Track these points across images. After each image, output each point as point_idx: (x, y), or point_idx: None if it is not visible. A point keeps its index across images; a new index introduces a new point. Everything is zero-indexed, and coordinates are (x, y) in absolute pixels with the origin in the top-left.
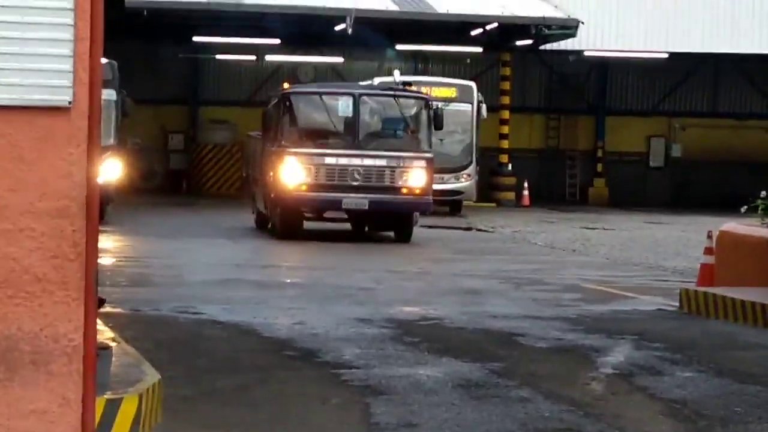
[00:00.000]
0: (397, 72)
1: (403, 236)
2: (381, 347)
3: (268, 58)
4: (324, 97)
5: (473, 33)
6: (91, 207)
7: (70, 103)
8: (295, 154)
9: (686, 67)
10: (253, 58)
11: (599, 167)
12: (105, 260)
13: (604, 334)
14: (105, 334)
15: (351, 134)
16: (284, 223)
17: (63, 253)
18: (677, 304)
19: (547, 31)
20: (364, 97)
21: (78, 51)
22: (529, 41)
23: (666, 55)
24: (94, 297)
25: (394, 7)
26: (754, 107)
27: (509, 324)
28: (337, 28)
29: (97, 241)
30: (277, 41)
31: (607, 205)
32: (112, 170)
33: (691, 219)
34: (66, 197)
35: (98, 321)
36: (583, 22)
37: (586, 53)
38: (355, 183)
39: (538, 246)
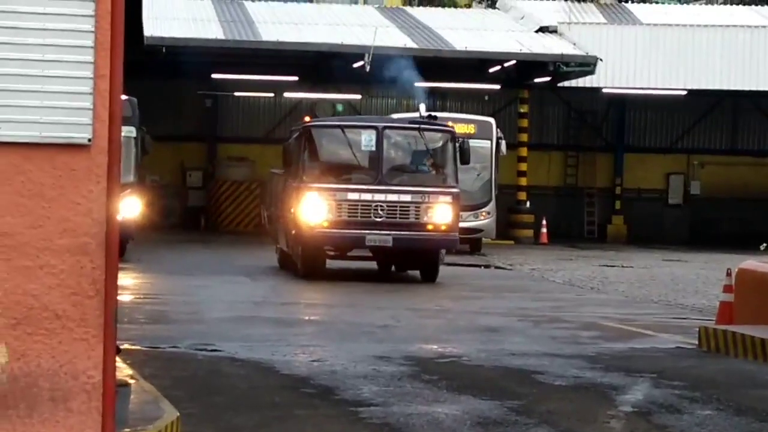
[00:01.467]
0: (423, 105)
1: (429, 275)
2: (399, 385)
3: (287, 95)
4: (346, 130)
5: (491, 70)
6: (110, 244)
7: (89, 140)
8: (317, 189)
9: (705, 105)
10: (271, 95)
11: (618, 204)
12: (123, 297)
13: (623, 372)
14: (124, 371)
15: (374, 169)
16: (306, 261)
17: (82, 290)
18: (696, 342)
19: (565, 68)
20: (388, 131)
21: (98, 88)
22: (547, 78)
23: (684, 93)
24: (114, 334)
25: (412, 45)
26: None
27: (528, 362)
28: (356, 65)
29: (116, 278)
30: (295, 78)
31: (626, 242)
32: (132, 207)
33: (710, 256)
34: (86, 234)
35: (117, 358)
36: (601, 59)
37: (604, 90)
38: (378, 219)
39: (557, 283)
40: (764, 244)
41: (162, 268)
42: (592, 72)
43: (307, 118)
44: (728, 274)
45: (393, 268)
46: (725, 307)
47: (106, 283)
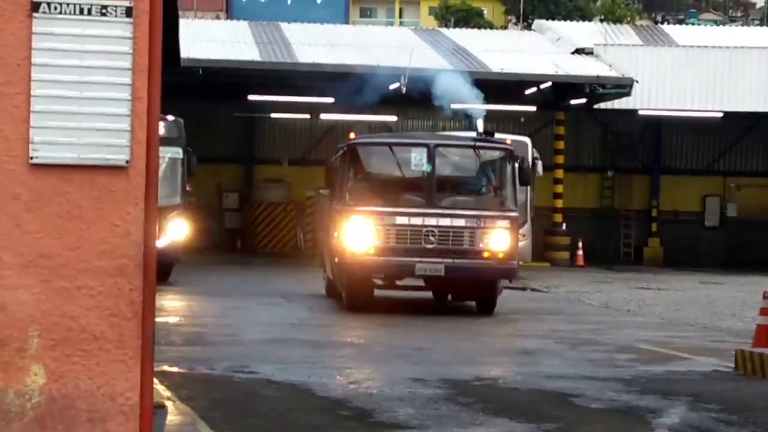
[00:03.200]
0: (480, 122)
1: (486, 307)
2: (435, 407)
3: (323, 116)
4: (395, 148)
5: (528, 92)
6: (148, 265)
7: (127, 162)
8: (363, 212)
9: (741, 127)
10: (307, 116)
11: (654, 226)
12: (161, 318)
13: (660, 395)
14: (161, 392)
15: (425, 190)
16: (352, 291)
17: (120, 311)
18: (733, 365)
19: (601, 90)
20: (440, 148)
21: (135, 110)
22: (583, 100)
23: (721, 114)
24: (151, 355)
25: (448, 66)
26: None
27: (564, 384)
28: (392, 86)
29: (154, 299)
30: (331, 100)
31: (662, 264)
32: (179, 230)
33: (747, 279)
34: (124, 256)
35: (154, 380)
36: (637, 81)
37: (640, 112)
38: (429, 246)
39: (593, 306)
40: None
41: (199, 289)
42: (628, 94)
43: (352, 135)
44: (765, 297)
45: (449, 297)
46: (762, 330)
47: (144, 305)
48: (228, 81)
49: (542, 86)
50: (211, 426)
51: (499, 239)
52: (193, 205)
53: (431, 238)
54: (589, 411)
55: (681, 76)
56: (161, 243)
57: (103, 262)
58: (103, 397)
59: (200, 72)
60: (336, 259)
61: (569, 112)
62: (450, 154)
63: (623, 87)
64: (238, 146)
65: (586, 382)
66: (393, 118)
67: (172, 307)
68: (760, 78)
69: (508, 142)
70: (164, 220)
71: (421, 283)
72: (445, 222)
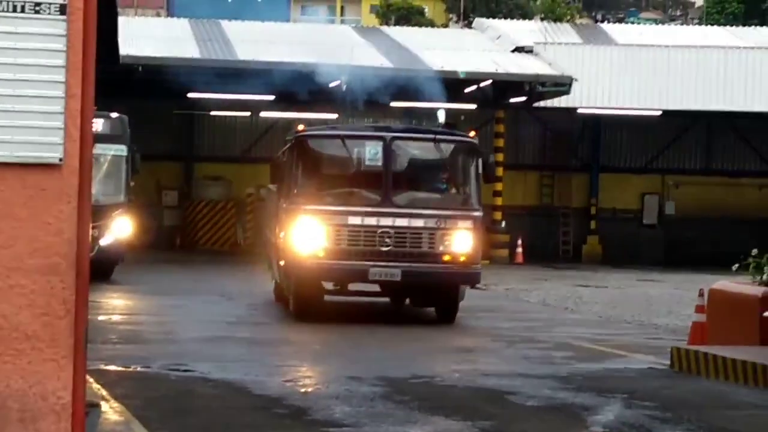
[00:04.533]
0: (441, 112)
1: (446, 315)
2: (371, 405)
3: (263, 114)
4: (347, 140)
5: (467, 90)
6: (81, 264)
7: (60, 160)
8: (311, 212)
9: (679, 125)
10: (247, 114)
11: (593, 224)
12: (97, 317)
13: (595, 392)
14: (95, 391)
15: (380, 187)
16: (299, 297)
17: (53, 310)
18: (668, 362)
19: (540, 88)
20: (397, 141)
21: (69, 108)
22: (523, 98)
23: (659, 113)
24: (84, 354)
25: (388, 64)
26: (748, 165)
27: (500, 382)
28: (332, 84)
29: (86, 298)
30: (271, 98)
31: (601, 262)
32: (123, 229)
33: (684, 277)
34: (56, 254)
35: (87, 378)
36: (576, 80)
37: (579, 110)
38: (384, 248)
39: (531, 303)
40: (736, 265)
41: (137, 287)
42: (567, 92)
43: (300, 126)
44: (701, 295)
45: (407, 301)
46: (698, 327)
47: (77, 304)
48: (168, 78)
49: (482, 84)
50: (146, 425)
51: (461, 241)
52: (132, 202)
53: (387, 239)
54: (524, 408)
55: (620, 74)
56: (105, 241)
57: (35, 261)
58: (34, 397)
59: (140, 69)
60: (282, 262)
61: (509, 110)
62: (408, 148)
63: (562, 85)
64: (178, 144)
65: (522, 380)
66: (333, 116)
67: (110, 305)
68: (697, 76)
69: (471, 135)
70: (108, 219)
71: (376, 288)
72: (402, 222)
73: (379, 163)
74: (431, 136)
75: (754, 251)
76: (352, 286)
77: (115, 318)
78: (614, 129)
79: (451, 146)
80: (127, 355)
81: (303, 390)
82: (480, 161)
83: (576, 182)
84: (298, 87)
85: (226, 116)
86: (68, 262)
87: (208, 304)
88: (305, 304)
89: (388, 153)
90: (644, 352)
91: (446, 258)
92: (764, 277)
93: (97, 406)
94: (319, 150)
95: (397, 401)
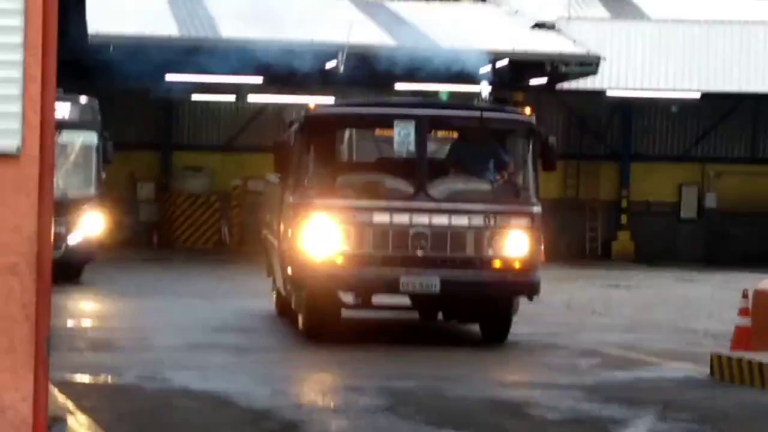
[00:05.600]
0: (485, 83)
1: (497, 332)
2: (372, 419)
3: (250, 98)
4: (371, 120)
5: (481, 70)
6: (42, 264)
7: (18, 149)
8: (327, 208)
9: (721, 109)
10: (233, 98)
11: (624, 219)
12: (63, 321)
13: (625, 403)
14: (60, 404)
15: (414, 177)
16: (312, 313)
17: (10, 314)
18: (708, 371)
19: (564, 68)
20: (435, 120)
21: (28, 92)
22: (544, 79)
23: (698, 96)
24: (46, 363)
25: (391, 42)
26: None
27: (518, 393)
28: (328, 65)
29: (49, 301)
30: (259, 80)
31: (633, 260)
32: (93, 225)
33: (727, 276)
34: (14, 253)
35: (51, 390)
36: (604, 59)
37: (608, 93)
38: (419, 253)
39: (554, 306)
40: None
41: (110, 289)
42: (594, 72)
43: (312, 105)
44: (745, 296)
45: (440, 315)
46: (741, 332)
47: (38, 308)
48: (143, 59)
49: (498, 64)
50: None
51: (515, 243)
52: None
53: (422, 242)
54: (544, 422)
55: (654, 53)
56: (73, 239)
57: None
58: None
59: (111, 49)
60: (290, 270)
61: (529, 93)
62: (448, 129)
63: (589, 65)
64: (155, 131)
65: (542, 390)
66: (330, 101)
67: (79, 309)
68: (741, 55)
69: (527, 112)
70: (77, 214)
71: (406, 300)
72: (441, 220)
73: (412, 148)
74: (477, 113)
75: None
76: (377, 299)
77: (84, 323)
78: (648, 114)
79: (502, 126)
80: (96, 364)
81: (295, 402)
82: (539, 144)
83: (604, 172)
84: (289, 68)
85: (208, 101)
86: (27, 261)
87: (188, 308)
88: (319, 321)
89: (422, 135)
90: (681, 360)
91: (497, 264)
92: None
93: (62, 420)
94: (335, 132)
95: (401, 415)
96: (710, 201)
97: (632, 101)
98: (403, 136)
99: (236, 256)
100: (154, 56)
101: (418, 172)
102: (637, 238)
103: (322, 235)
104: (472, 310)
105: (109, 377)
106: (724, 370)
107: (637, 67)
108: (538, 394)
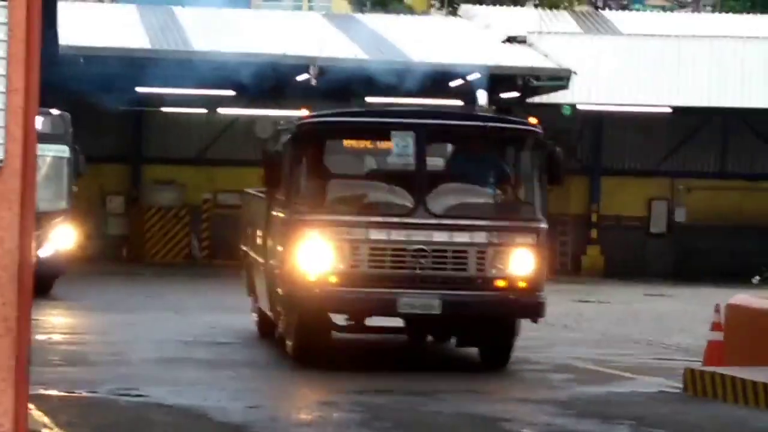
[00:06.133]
0: (481, 92)
1: (497, 357)
2: None
3: (221, 111)
4: (368, 130)
5: (453, 84)
6: (23, 277)
7: (1, 161)
8: (320, 224)
9: (691, 124)
10: (203, 111)
11: (594, 233)
12: (38, 336)
13: (599, 418)
14: (36, 418)
15: (413, 192)
16: (302, 335)
17: None
18: (681, 385)
19: (535, 82)
20: (436, 130)
21: (11, 104)
22: (515, 93)
23: (669, 110)
24: (26, 377)
25: (363, 56)
26: (767, 167)
27: (493, 407)
28: (299, 78)
29: (29, 315)
30: (231, 93)
31: (603, 275)
32: (65, 238)
33: (697, 291)
34: None
35: (29, 405)
36: (575, 73)
37: (579, 107)
38: (418, 271)
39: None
40: (757, 277)
41: (81, 303)
42: (565, 87)
43: (304, 112)
44: (717, 311)
45: (429, 337)
46: (714, 346)
47: (18, 322)
48: (113, 71)
49: (469, 78)
50: None
51: (520, 261)
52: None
53: (421, 260)
54: None
55: (624, 67)
56: (44, 252)
57: None
58: None
59: (81, 61)
60: (279, 290)
61: (500, 106)
62: (449, 139)
63: (560, 79)
64: (124, 144)
65: (516, 404)
66: (302, 114)
67: (50, 322)
68: (711, 70)
69: (533, 123)
70: (48, 227)
71: (399, 323)
72: (442, 237)
73: (411, 159)
74: (480, 123)
75: None
76: (370, 321)
77: (56, 337)
78: (618, 128)
79: (507, 137)
80: (71, 379)
81: (270, 416)
82: (545, 157)
83: (574, 186)
84: (261, 81)
85: (179, 113)
86: (9, 274)
87: (160, 322)
88: (309, 343)
89: (422, 146)
90: (653, 374)
91: (500, 283)
92: None
93: None
94: (329, 142)
95: (376, 429)
96: (680, 215)
97: (603, 115)
98: (401, 148)
99: (207, 270)
100: (124, 68)
101: (417, 186)
102: (606, 253)
103: (315, 253)
104: (472, 332)
105: (84, 391)
106: (696, 384)
107: (608, 82)
108: (513, 408)
